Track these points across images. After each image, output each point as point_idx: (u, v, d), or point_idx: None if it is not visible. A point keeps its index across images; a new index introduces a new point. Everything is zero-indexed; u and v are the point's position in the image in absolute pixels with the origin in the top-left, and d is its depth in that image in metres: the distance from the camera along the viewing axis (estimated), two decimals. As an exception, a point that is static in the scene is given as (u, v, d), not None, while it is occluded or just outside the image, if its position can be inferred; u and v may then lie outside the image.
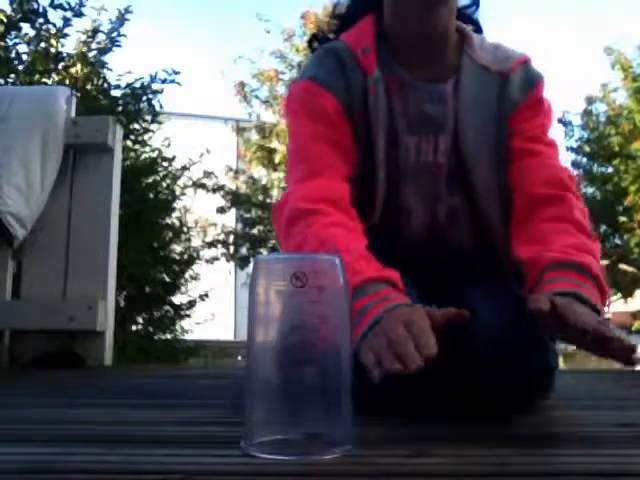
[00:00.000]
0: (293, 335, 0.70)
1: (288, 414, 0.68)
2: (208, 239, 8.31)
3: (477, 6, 1.28)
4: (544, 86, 1.22)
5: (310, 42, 1.33)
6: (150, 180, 4.96)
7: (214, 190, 9.59)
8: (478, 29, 1.27)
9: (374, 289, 0.92)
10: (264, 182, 10.22)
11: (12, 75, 3.73)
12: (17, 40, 3.76)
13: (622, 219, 8.14)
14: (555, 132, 1.25)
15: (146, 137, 4.85)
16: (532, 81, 1.20)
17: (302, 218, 1.04)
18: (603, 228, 8.78)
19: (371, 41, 1.16)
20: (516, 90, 1.17)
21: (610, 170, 8.63)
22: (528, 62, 1.22)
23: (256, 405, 0.71)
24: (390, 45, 1.18)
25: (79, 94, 3.34)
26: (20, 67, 3.81)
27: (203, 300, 5.83)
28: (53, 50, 3.95)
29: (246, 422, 0.71)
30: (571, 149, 9.04)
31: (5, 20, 3.58)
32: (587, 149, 8.94)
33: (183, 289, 5.61)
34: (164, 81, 4.26)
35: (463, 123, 1.15)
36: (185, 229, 5.96)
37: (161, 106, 4.55)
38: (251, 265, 10.41)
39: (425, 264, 1.17)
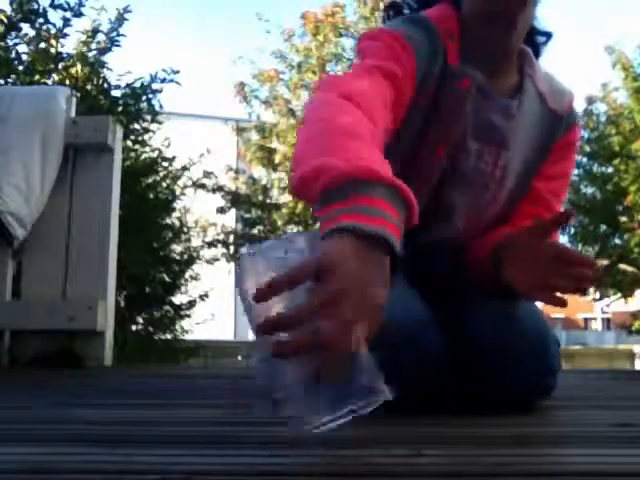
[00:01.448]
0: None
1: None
2: (208, 239, 8.32)
3: (548, 39, 1.25)
4: (579, 128, 1.27)
5: (387, 9, 1.27)
6: (150, 180, 4.96)
7: (214, 190, 9.60)
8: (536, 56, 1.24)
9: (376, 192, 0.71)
10: (264, 182, 10.23)
11: (12, 75, 3.73)
12: (17, 40, 3.77)
13: (622, 219, 8.14)
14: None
15: (146, 137, 4.86)
16: (571, 123, 1.21)
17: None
18: (603, 228, 8.79)
19: (457, 30, 1.12)
20: (561, 128, 1.20)
21: (610, 170, 8.64)
22: (573, 102, 1.23)
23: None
24: (468, 44, 1.13)
25: (79, 94, 3.34)
26: (20, 67, 3.82)
27: (203, 300, 5.83)
28: (53, 50, 3.96)
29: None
30: (571, 149, 9.03)
31: (5, 20, 3.58)
32: (587, 149, 8.95)
33: (183, 289, 5.62)
34: (163, 80, 4.26)
35: (516, 145, 1.15)
36: (185, 229, 5.96)
37: (161, 106, 4.56)
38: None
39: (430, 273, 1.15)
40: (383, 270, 0.69)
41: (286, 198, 9.68)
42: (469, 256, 1.15)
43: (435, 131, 1.10)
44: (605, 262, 8.75)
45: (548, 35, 1.25)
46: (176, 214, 5.75)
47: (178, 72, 4.28)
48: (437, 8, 1.16)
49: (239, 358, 9.45)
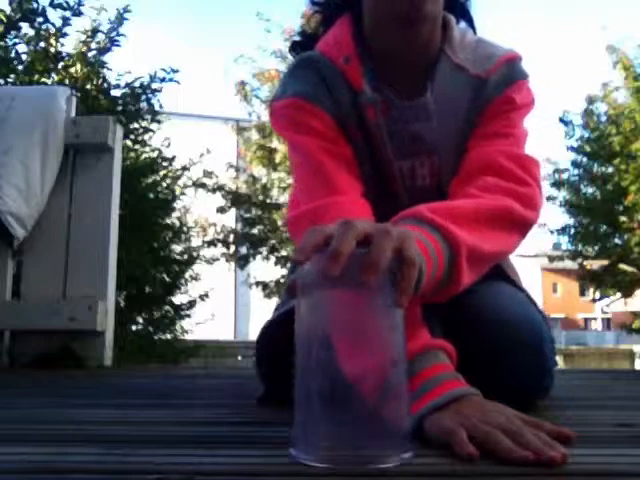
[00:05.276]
0: None
1: None
2: (208, 239, 8.32)
3: None
4: (524, 86, 1.10)
5: (292, 49, 1.23)
6: (150, 180, 4.96)
7: (214, 190, 9.60)
8: (470, 23, 1.17)
9: (438, 358, 0.81)
10: (264, 182, 10.23)
11: (12, 75, 3.73)
12: (17, 40, 3.77)
13: (622, 219, 8.14)
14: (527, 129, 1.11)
15: (146, 137, 4.86)
16: (510, 79, 1.08)
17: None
18: (603, 228, 8.79)
19: (352, 49, 1.07)
20: (491, 89, 1.07)
21: (610, 170, 8.64)
22: (513, 60, 1.09)
23: None
24: (371, 57, 1.07)
25: (79, 94, 3.34)
26: (20, 67, 3.82)
27: (203, 300, 5.84)
28: (52, 50, 3.96)
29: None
30: (571, 149, 9.05)
31: (5, 20, 3.58)
32: (588, 149, 8.95)
33: (183, 289, 5.62)
34: (163, 80, 4.27)
35: (439, 131, 1.07)
36: (185, 229, 5.96)
37: (161, 105, 4.56)
38: (251, 265, 10.43)
39: None
40: None
41: (286, 198, 9.69)
42: None
43: (381, 163, 1.06)
44: (605, 262, 8.76)
45: None
46: (176, 214, 5.75)
47: (177, 71, 4.29)
48: (331, 31, 1.11)
49: (239, 358, 9.44)
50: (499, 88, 1.07)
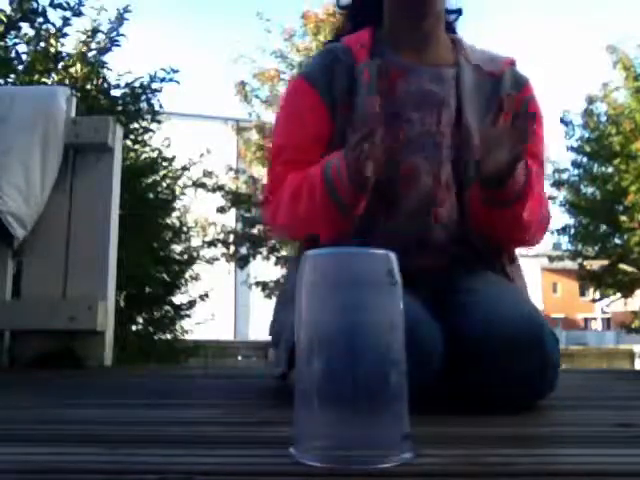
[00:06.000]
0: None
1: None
2: (208, 239, 8.31)
3: (459, 15, 1.46)
4: (531, 87, 1.37)
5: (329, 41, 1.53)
6: (150, 180, 4.96)
7: (214, 190, 9.60)
8: (454, 33, 1.43)
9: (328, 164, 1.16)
10: (264, 182, 10.23)
11: (12, 75, 3.73)
12: (17, 40, 3.76)
13: (622, 219, 8.14)
14: (545, 127, 1.40)
15: (146, 137, 4.85)
16: (520, 83, 1.35)
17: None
18: (603, 228, 8.79)
19: (367, 39, 1.34)
20: (507, 88, 1.31)
21: (610, 170, 8.64)
22: (514, 64, 1.38)
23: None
24: (390, 42, 1.35)
25: (79, 94, 3.34)
26: (20, 67, 3.81)
27: (203, 300, 5.83)
28: (53, 50, 3.95)
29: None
30: (571, 148, 9.05)
31: (5, 20, 3.58)
32: (588, 149, 8.95)
33: (183, 289, 5.61)
34: (163, 80, 4.26)
35: (465, 102, 1.29)
36: (185, 229, 5.96)
37: (161, 105, 4.55)
38: (251, 265, 10.43)
39: (416, 261, 1.16)
40: None
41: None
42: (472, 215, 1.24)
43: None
44: (605, 262, 8.75)
45: (459, 12, 1.45)
46: (176, 214, 5.74)
47: (178, 71, 4.28)
48: (359, 31, 1.37)
49: (239, 358, 9.46)
50: (516, 88, 1.31)
